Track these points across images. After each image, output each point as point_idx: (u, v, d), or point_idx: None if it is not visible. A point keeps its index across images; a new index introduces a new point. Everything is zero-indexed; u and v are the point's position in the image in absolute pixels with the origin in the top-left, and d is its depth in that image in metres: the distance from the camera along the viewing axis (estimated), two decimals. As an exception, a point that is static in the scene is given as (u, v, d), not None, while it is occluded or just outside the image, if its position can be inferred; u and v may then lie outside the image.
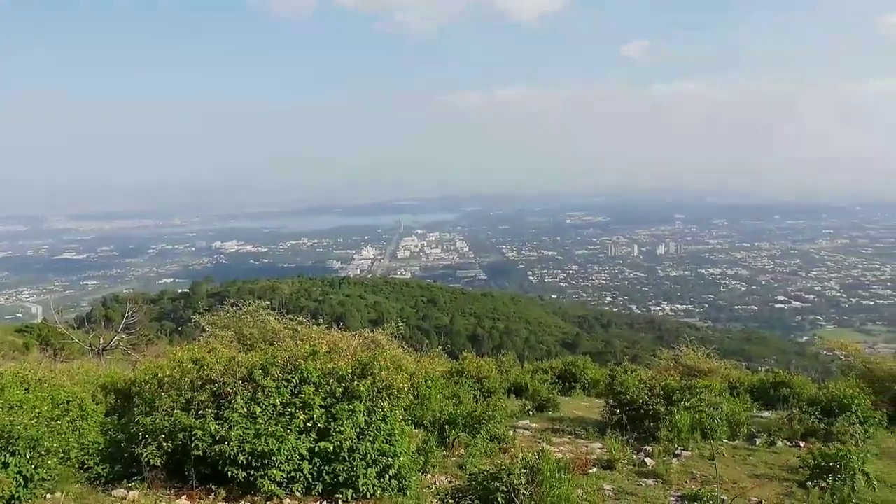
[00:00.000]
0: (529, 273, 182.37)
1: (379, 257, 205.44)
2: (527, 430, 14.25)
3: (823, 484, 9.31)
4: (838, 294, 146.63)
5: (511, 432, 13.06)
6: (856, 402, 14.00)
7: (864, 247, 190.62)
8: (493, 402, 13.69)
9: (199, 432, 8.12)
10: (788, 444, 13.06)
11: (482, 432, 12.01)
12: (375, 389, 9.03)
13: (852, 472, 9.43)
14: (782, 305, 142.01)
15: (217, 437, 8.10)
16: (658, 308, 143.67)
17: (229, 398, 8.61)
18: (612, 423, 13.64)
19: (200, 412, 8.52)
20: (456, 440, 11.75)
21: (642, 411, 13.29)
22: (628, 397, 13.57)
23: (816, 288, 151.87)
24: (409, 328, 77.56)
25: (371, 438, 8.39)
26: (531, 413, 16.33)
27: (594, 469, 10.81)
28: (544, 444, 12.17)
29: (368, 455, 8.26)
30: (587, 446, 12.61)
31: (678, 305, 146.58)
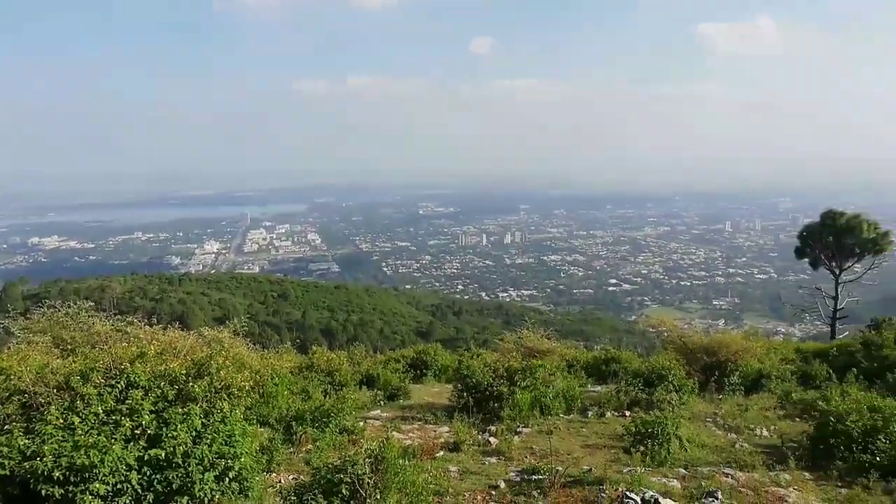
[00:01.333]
0: (384, 264, 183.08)
1: (224, 251, 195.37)
2: (377, 419, 14.29)
3: (643, 448, 10.26)
4: (661, 276, 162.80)
5: (361, 423, 13.02)
6: (672, 372, 15.58)
7: (682, 233, 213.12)
8: (343, 395, 13.61)
9: (5, 449, 7.22)
10: (616, 414, 14.23)
11: (331, 426, 11.86)
12: (213, 390, 8.57)
13: (668, 436, 10.48)
14: (615, 288, 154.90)
15: (28, 454, 7.25)
16: (506, 294, 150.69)
17: (42, 409, 7.76)
18: (459, 407, 14.06)
19: (6, 427, 7.60)
20: (303, 436, 11.51)
21: (487, 393, 13.84)
22: (474, 381, 14.06)
23: (643, 271, 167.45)
24: (258, 325, 75.08)
25: (208, 441, 7.94)
26: (382, 403, 16.40)
27: (441, 452, 11.09)
28: (393, 433, 12.30)
29: (205, 459, 7.81)
30: (435, 431, 12.90)
31: (524, 291, 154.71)
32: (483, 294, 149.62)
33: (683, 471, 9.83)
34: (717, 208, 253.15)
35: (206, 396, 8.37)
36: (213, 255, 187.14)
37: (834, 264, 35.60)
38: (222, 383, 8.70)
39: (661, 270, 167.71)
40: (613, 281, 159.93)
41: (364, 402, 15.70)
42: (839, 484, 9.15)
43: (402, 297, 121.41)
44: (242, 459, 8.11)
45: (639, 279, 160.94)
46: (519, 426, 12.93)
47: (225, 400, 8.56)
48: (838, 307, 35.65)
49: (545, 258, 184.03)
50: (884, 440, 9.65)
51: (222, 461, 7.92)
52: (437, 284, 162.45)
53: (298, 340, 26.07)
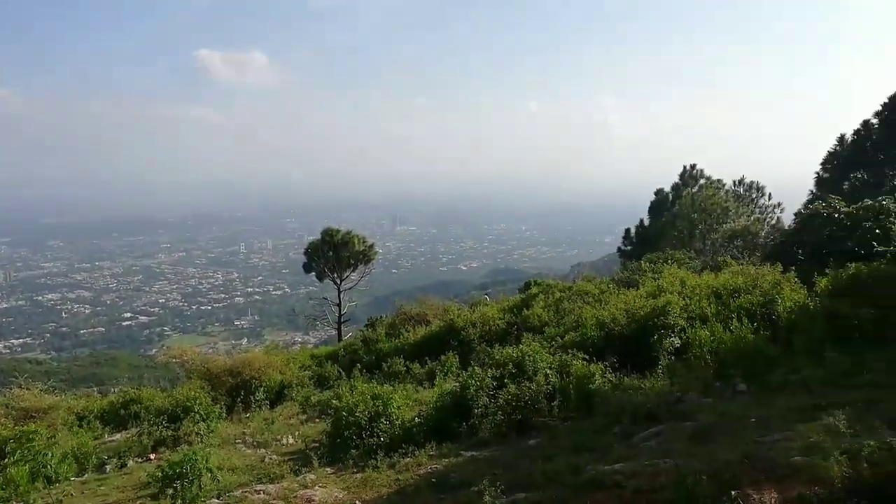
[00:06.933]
0: None
1: None
2: None
3: (172, 490, 9.58)
4: (181, 303, 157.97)
5: None
6: (198, 401, 15.08)
7: (199, 257, 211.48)
8: None
9: None
10: (140, 460, 13.00)
11: None
12: None
13: (199, 472, 10.02)
14: (130, 322, 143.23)
15: None
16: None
17: None
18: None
19: None
20: None
21: (-37, 479, 10.88)
22: (-59, 468, 10.88)
23: (161, 300, 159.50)
24: None
25: None
26: None
27: None
28: None
29: None
30: None
31: (14, 340, 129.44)
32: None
33: (217, 501, 9.55)
34: (231, 231, 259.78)
35: None
36: None
37: (335, 275, 40.60)
38: None
39: (180, 297, 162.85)
40: (128, 314, 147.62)
41: None
42: (355, 470, 10.24)
43: None
44: None
45: (156, 309, 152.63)
46: (14, 508, 10.56)
47: None
48: (342, 312, 40.84)
49: (40, 298, 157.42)
50: (385, 422, 11.28)
51: None
52: None
53: None
